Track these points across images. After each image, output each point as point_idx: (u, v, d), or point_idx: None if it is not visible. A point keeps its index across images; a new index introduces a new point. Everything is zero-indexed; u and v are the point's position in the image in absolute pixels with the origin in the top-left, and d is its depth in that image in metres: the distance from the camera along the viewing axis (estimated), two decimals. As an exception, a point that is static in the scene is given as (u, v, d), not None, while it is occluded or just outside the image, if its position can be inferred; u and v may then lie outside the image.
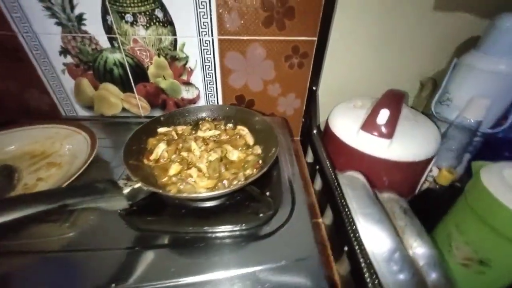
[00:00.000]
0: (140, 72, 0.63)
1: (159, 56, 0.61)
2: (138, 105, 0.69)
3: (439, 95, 0.60)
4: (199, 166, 0.40)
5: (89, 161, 0.41)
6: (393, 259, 0.36)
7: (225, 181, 0.39)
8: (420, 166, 0.56)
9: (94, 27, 0.56)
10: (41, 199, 0.25)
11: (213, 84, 0.65)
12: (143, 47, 0.59)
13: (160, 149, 0.43)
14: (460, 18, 0.58)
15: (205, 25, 0.56)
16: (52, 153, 0.50)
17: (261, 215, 0.37)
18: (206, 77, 0.64)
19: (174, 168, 0.41)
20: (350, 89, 0.69)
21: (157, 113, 0.70)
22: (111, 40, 0.58)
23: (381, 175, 0.55)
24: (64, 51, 0.60)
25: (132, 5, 0.53)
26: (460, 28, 0.59)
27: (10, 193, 0.39)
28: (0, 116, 0.68)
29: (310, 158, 0.67)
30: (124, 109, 0.70)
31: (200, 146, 0.45)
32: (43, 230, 0.36)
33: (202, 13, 0.54)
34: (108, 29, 0.56)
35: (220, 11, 0.54)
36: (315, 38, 0.58)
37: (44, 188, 0.42)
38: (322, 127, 0.75)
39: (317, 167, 0.57)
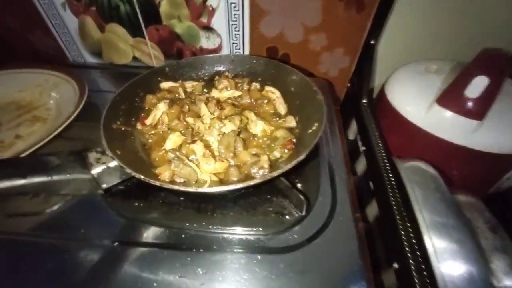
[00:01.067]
0: (150, 10, 0.51)
1: (172, -11, 0.47)
2: (150, 53, 0.58)
3: None
4: (207, 139, 0.30)
5: (72, 117, 0.32)
6: (474, 297, 0.25)
7: (240, 168, 0.28)
8: (510, 160, 0.40)
9: None
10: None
11: (239, 30, 0.51)
12: (153, -26, 0.46)
13: (159, 111, 0.32)
14: None
15: None
16: (40, 105, 0.42)
17: (287, 217, 0.26)
18: (231, 20, 0.50)
19: (172, 140, 0.30)
20: (421, 47, 0.51)
21: (172, 65, 0.59)
22: (113, -37, 0.45)
23: (450, 164, 0.41)
24: (60, -21, 0.48)
25: None
26: None
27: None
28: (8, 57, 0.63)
29: (352, 134, 0.54)
30: (135, 58, 0.60)
31: (212, 110, 0.33)
32: (13, 204, 0.29)
33: None
34: None
35: None
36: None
37: (21, 147, 0.34)
38: (374, 96, 0.60)
39: (363, 148, 0.44)
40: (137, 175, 0.24)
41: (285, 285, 0.22)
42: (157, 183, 0.24)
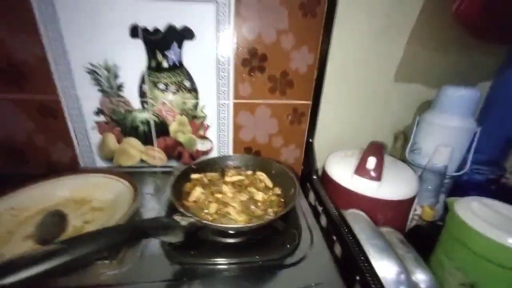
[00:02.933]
0: (163, 128, 0.73)
1: (181, 115, 0.72)
2: (155, 156, 0.77)
3: (410, 145, 0.75)
4: (233, 205, 0.48)
5: (136, 204, 0.46)
6: (400, 282, 0.42)
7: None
8: (406, 204, 0.66)
9: (130, 93, 0.68)
10: (128, 229, 0.31)
11: (225, 138, 0.76)
12: (169, 108, 0.70)
13: (197, 192, 0.50)
14: (415, 87, 0.77)
15: (224, 92, 0.70)
16: (93, 199, 0.54)
17: (288, 245, 0.43)
18: (220, 131, 0.75)
19: (212, 207, 0.48)
20: (340, 141, 0.83)
21: (172, 163, 0.78)
22: (142, 103, 0.69)
23: (375, 212, 0.64)
24: (98, 111, 0.69)
25: (165, 76, 0.66)
26: (417, 93, 0.78)
27: (62, 235, 0.42)
28: (23, 169, 0.73)
29: (311, 199, 0.76)
30: (141, 160, 0.77)
31: (230, 189, 0.53)
32: (97, 268, 0.39)
33: (222, 83, 0.68)
34: (142, 94, 0.68)
35: (236, 82, 0.69)
36: (310, 102, 0.74)
37: (93, 229, 0.46)
38: (320, 173, 0.86)
39: (321, 208, 0.65)
40: (211, 224, 0.41)
41: (292, 284, 0.38)
42: (223, 225, 0.43)
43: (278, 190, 0.56)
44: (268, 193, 0.55)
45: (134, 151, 0.75)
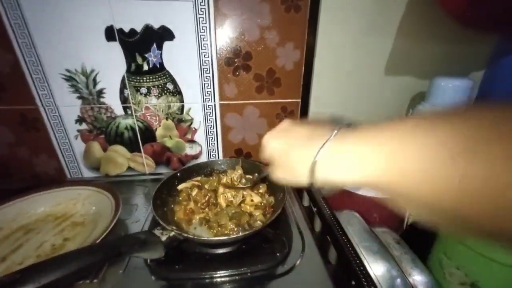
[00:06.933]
0: (148, 134, 0.70)
1: (167, 120, 0.69)
2: (143, 163, 0.74)
3: (406, 139, 0.73)
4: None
5: (115, 220, 0.44)
6: (397, 286, 0.40)
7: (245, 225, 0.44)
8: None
9: (111, 99, 0.65)
10: (100, 250, 0.28)
11: (214, 141, 0.74)
12: (154, 113, 0.68)
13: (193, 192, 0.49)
14: (407, 79, 0.75)
15: (209, 94, 0.67)
16: (74, 213, 0.52)
17: (278, 254, 0.40)
18: (208, 134, 0.73)
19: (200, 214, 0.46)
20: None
21: (162, 169, 0.75)
22: (125, 108, 0.67)
23: (371, 212, 0.62)
24: (80, 120, 0.67)
25: (147, 80, 0.64)
26: (409, 86, 0.76)
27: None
28: (7, 183, 0.70)
29: (305, 202, 0.73)
30: (129, 168, 0.74)
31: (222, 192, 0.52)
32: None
33: (206, 85, 0.66)
34: (124, 100, 0.66)
35: (221, 82, 0.66)
36: (299, 100, 0.71)
37: (73, 246, 0.44)
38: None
39: (315, 209, 0.63)
40: (192, 237, 0.40)
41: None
42: (203, 239, 0.40)
43: (268, 197, 0.53)
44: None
45: (121, 159, 0.73)
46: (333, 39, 0.67)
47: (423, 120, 0.19)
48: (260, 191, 0.56)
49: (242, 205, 0.51)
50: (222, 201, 0.49)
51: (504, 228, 0.15)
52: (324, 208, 0.59)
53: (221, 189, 0.52)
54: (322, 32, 0.65)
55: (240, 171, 0.59)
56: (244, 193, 0.52)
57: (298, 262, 0.41)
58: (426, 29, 0.69)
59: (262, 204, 0.50)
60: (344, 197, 0.63)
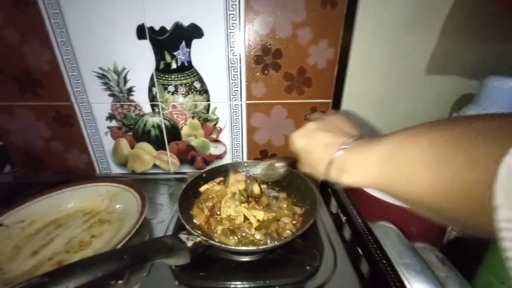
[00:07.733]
0: (174, 132, 0.70)
1: (193, 118, 0.69)
2: (168, 161, 0.74)
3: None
4: (252, 220, 0.43)
5: (141, 220, 0.43)
6: (444, 313, 0.35)
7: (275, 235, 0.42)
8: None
9: (140, 96, 0.66)
10: (126, 254, 0.28)
11: (239, 141, 0.72)
12: (180, 111, 0.68)
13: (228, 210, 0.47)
14: (450, 80, 0.68)
15: (236, 93, 0.65)
16: (101, 210, 0.53)
17: (308, 267, 0.37)
18: (234, 134, 0.71)
19: (226, 223, 0.44)
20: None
21: (185, 168, 0.75)
22: (153, 106, 0.67)
23: (408, 224, 0.57)
24: (110, 117, 0.68)
25: (175, 78, 0.64)
26: (453, 87, 0.69)
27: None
28: (42, 176, 0.73)
29: (333, 207, 0.69)
30: (154, 165, 0.75)
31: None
32: None
33: (233, 84, 0.64)
34: (152, 98, 0.66)
35: (249, 81, 0.64)
36: (330, 100, 0.67)
37: (99, 244, 0.44)
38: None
39: (345, 218, 0.59)
40: (218, 244, 0.38)
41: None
42: (229, 247, 0.38)
43: (298, 207, 0.50)
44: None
45: (147, 156, 0.74)
46: (370, 37, 0.62)
47: (410, 133, 0.23)
48: (263, 205, 0.52)
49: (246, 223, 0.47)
50: (224, 215, 0.47)
51: (469, 222, 0.18)
52: (356, 217, 0.55)
53: (223, 202, 0.49)
54: (359, 29, 0.60)
55: (242, 186, 0.56)
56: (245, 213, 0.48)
57: (329, 277, 0.38)
58: (475, 26, 0.62)
59: (290, 212, 0.47)
60: (377, 206, 0.58)
